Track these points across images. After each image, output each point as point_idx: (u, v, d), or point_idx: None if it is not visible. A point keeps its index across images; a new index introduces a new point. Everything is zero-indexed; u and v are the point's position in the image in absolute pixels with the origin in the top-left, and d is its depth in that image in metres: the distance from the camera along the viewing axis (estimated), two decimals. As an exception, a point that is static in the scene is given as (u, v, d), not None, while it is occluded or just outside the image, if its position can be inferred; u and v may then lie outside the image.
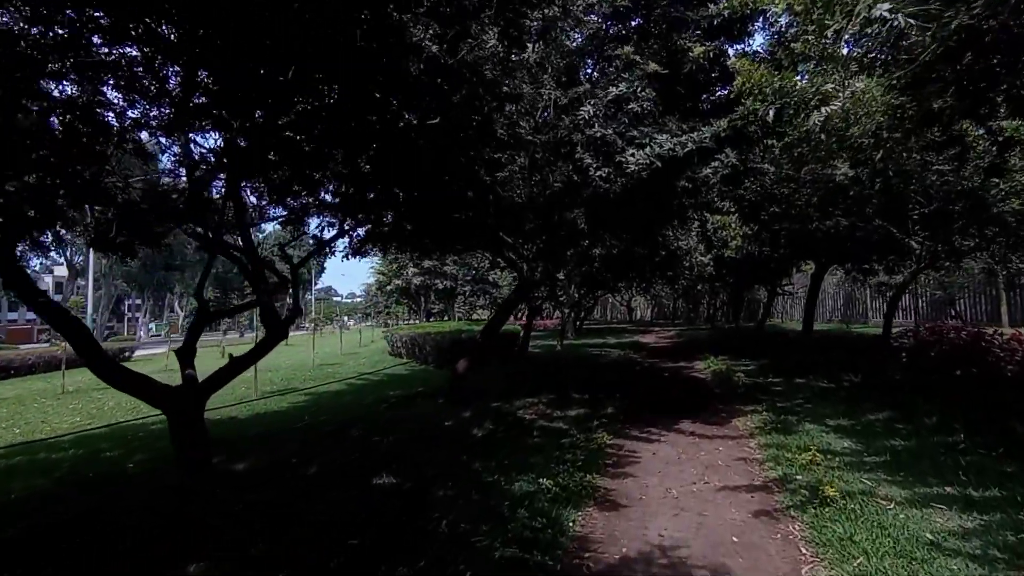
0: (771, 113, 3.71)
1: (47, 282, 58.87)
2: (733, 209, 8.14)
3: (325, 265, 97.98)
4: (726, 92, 5.76)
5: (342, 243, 9.33)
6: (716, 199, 7.32)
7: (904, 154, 8.11)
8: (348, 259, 14.53)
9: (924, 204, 8.03)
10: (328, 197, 8.22)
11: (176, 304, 73.49)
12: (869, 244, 8.74)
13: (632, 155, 4.96)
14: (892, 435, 5.31)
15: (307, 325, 61.71)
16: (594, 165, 4.99)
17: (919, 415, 5.96)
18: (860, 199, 8.02)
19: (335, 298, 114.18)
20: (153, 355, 23.41)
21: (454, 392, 8.36)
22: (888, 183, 8.15)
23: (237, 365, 4.65)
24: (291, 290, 5.60)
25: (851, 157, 8.25)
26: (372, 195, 8.11)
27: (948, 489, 3.84)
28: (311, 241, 9.73)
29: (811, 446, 5.01)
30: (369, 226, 9.24)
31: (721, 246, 10.79)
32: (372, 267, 42.23)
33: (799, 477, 4.26)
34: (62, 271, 54.35)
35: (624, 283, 15.91)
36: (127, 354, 22.37)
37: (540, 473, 4.57)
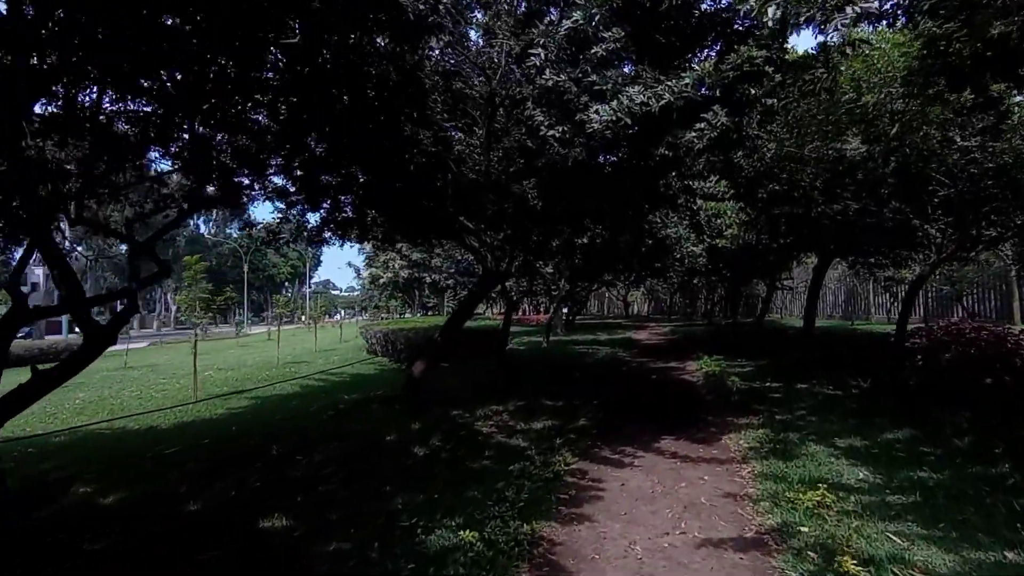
0: (772, 11, 2.64)
1: (37, 273, 57.81)
2: (726, 189, 7.11)
3: (321, 258, 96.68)
4: (719, 47, 4.68)
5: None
6: (705, 172, 6.23)
7: (924, 127, 7.08)
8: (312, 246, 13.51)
9: (948, 185, 6.97)
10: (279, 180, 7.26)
11: (168, 298, 72.47)
12: (882, 232, 7.68)
13: (596, 111, 3.89)
14: (918, 462, 4.28)
15: (307, 321, 60.73)
16: (545, 123, 3.94)
17: (947, 434, 4.94)
18: (873, 179, 6.95)
19: (333, 292, 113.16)
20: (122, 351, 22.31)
21: (409, 398, 7.33)
22: (906, 161, 7.10)
23: (42, 383, 3.53)
24: (135, 282, 4.48)
25: (863, 132, 7.21)
26: (323, 176, 7.12)
27: (1009, 555, 2.80)
28: (261, 231, 8.67)
29: (818, 479, 3.99)
30: (324, 211, 8.27)
31: (715, 235, 9.75)
32: (363, 260, 41.16)
33: (804, 528, 3.22)
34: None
35: (611, 275, 14.83)
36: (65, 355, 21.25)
37: (470, 519, 3.54)
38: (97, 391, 10.96)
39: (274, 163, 6.81)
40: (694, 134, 4.17)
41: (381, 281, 37.49)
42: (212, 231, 73.79)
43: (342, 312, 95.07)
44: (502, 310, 41.09)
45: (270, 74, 4.58)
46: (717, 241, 9.43)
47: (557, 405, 7.32)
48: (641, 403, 7.66)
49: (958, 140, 7.10)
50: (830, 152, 7.02)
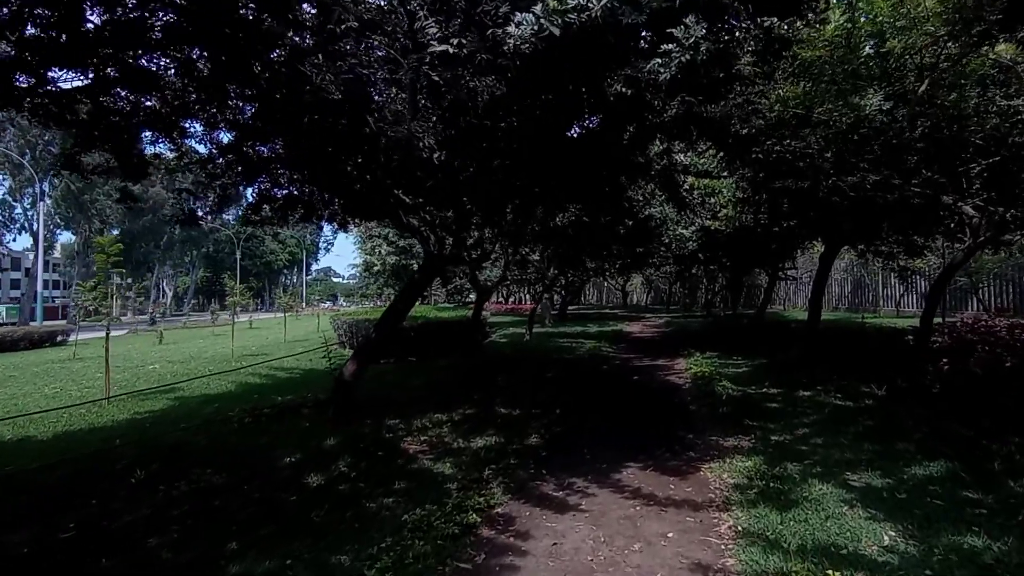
0: None
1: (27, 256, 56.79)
2: (717, 159, 5.87)
3: (320, 244, 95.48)
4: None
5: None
6: (693, 138, 4.96)
7: (961, 81, 5.82)
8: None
9: (988, 153, 5.71)
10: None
11: (164, 284, 71.48)
12: (906, 211, 6.41)
13: (517, 22, 2.64)
14: (964, 519, 3.07)
15: (304, 308, 59.60)
16: (438, 35, 2.69)
17: (996, 470, 3.73)
18: (898, 144, 5.68)
19: (335, 279, 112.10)
20: (91, 339, 21.24)
21: (337, 405, 6.16)
22: (937, 124, 5.84)
23: None
24: None
25: (884, 90, 5.92)
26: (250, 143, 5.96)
27: None
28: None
29: (826, 546, 2.80)
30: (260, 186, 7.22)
31: (709, 217, 8.52)
32: (357, 246, 39.86)
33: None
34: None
35: (593, 262, 13.56)
36: (60, 338, 20.22)
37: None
38: (19, 386, 9.84)
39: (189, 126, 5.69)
40: (659, 60, 2.92)
41: (375, 269, 36.35)
42: (209, 216, 72.68)
43: (341, 300, 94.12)
44: (499, 298, 40.01)
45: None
46: (711, 224, 8.14)
47: (512, 414, 6.16)
48: (612, 413, 6.47)
49: (999, 100, 5.87)
50: (845, 113, 5.76)
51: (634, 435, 5.35)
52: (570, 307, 36.60)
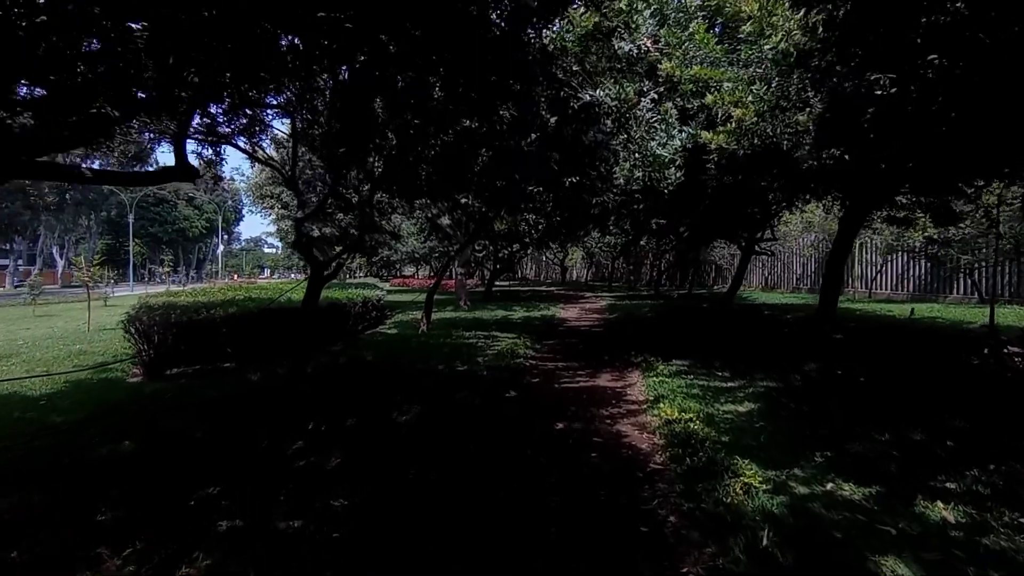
0: None
1: None
2: None
3: (244, 212, 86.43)
4: None
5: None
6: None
7: None
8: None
9: None
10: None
11: (57, 253, 61.73)
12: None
13: None
14: None
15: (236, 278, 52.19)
16: None
17: None
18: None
19: (267, 249, 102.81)
20: None
21: None
22: None
23: None
24: None
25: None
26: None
27: None
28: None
29: None
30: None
31: (704, 125, 4.66)
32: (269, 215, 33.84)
33: None
34: None
35: (507, 219, 9.46)
36: None
37: None
38: None
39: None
40: None
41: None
42: (108, 176, 63.50)
43: (268, 272, 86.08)
44: (432, 272, 35.07)
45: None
46: (709, 138, 4.19)
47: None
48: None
49: None
50: None
51: None
52: (502, 283, 32.72)
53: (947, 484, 3.08)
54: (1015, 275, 13.32)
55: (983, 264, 13.25)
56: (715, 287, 24.07)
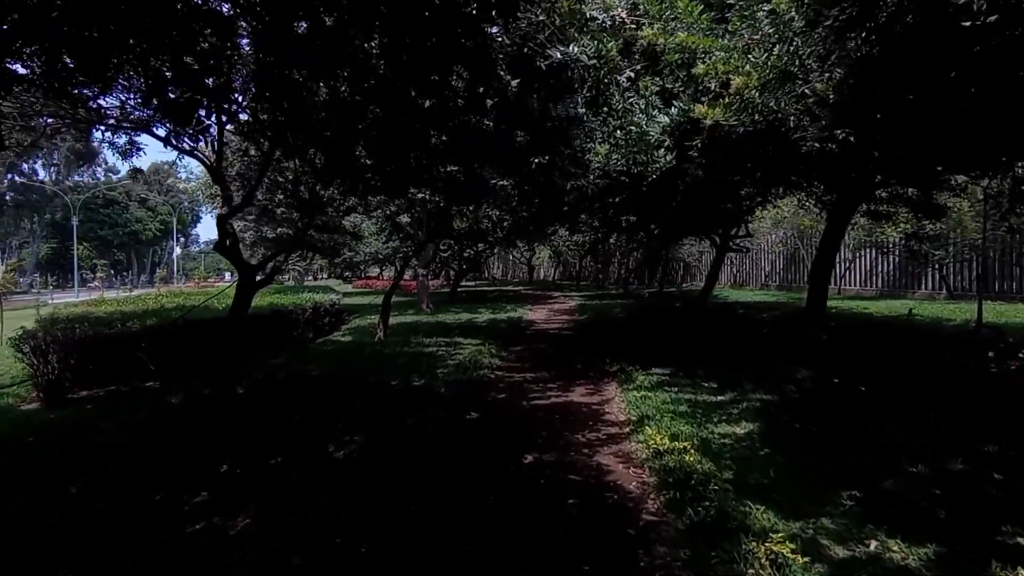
0: None
1: None
2: None
3: (201, 214, 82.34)
4: None
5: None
6: None
7: None
8: None
9: None
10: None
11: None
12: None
13: None
14: None
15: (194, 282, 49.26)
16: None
17: None
18: None
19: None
20: None
21: None
22: None
23: None
24: None
25: None
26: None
27: None
28: None
29: None
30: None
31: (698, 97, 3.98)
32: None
33: None
34: None
35: (469, 215, 8.64)
36: None
37: None
38: None
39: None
40: None
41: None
42: (53, 177, 59.53)
43: (228, 276, 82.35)
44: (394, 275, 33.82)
45: None
46: (704, 112, 3.54)
47: None
48: None
49: None
50: None
51: None
52: (468, 284, 31.79)
53: (1020, 539, 2.43)
54: (983, 270, 13.23)
55: (951, 260, 13.14)
56: (684, 285, 23.77)
